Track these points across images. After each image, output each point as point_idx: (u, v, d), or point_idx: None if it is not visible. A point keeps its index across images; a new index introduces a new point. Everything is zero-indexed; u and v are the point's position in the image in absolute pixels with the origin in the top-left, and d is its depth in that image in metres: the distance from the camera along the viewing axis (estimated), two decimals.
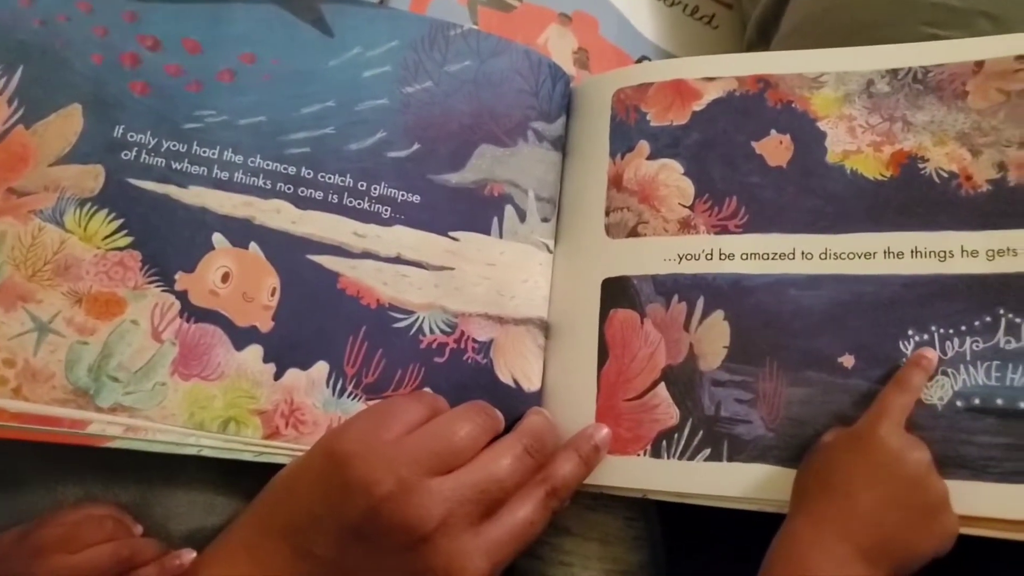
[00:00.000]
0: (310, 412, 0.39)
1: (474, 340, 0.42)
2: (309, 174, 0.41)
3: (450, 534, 0.34)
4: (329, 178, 0.41)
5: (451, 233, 0.43)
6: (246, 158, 0.41)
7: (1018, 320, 0.37)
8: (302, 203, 0.41)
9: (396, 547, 0.33)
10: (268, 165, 0.41)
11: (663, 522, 0.48)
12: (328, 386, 0.39)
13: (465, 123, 0.44)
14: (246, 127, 0.41)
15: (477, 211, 0.43)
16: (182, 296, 0.38)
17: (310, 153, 0.41)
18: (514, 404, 0.42)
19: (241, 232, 0.40)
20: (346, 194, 0.41)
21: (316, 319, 0.40)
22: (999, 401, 0.37)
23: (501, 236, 0.44)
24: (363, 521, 0.33)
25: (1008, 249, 0.38)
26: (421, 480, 0.34)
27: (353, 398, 0.40)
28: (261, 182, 0.41)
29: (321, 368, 0.39)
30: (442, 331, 0.41)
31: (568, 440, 0.40)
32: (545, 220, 0.45)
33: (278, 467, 0.37)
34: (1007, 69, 0.40)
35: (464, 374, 0.41)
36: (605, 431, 0.41)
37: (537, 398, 0.43)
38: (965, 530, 0.36)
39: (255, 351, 0.39)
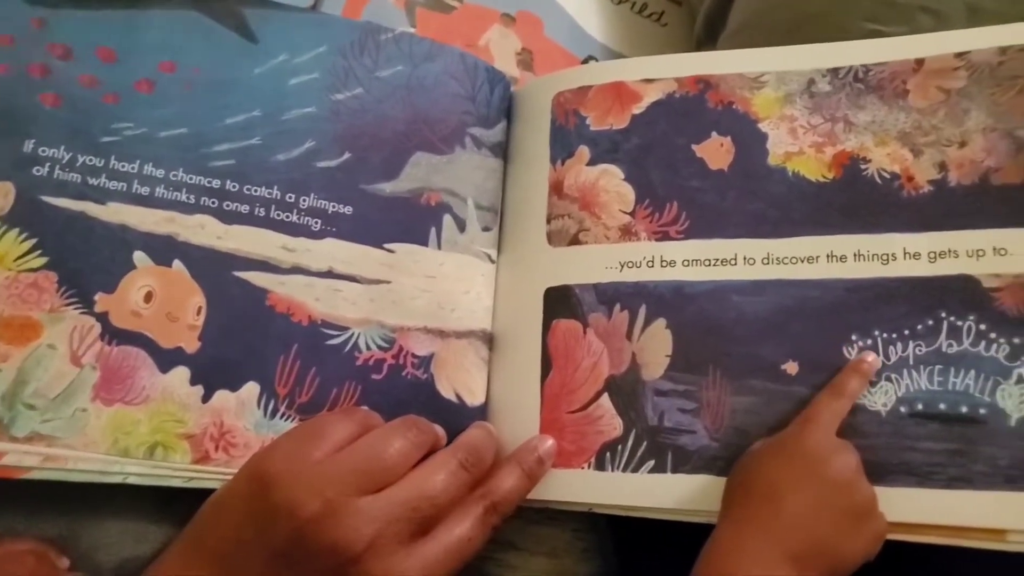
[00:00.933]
0: (241, 435, 0.38)
1: (414, 355, 0.41)
2: (234, 187, 0.40)
3: (380, 554, 0.32)
4: (255, 191, 0.40)
5: (386, 245, 0.41)
6: (168, 172, 0.39)
7: (959, 323, 0.37)
8: (227, 218, 0.39)
9: (325, 570, 0.32)
10: (191, 179, 0.39)
11: (615, 531, 0.47)
12: (259, 407, 0.38)
13: (398, 130, 0.42)
14: (167, 139, 0.39)
15: (413, 221, 0.42)
16: (102, 318, 0.37)
17: (235, 165, 0.40)
18: (457, 420, 0.40)
19: (164, 249, 0.38)
20: (274, 207, 0.40)
21: (245, 338, 0.38)
22: (942, 406, 0.36)
23: (440, 247, 0.42)
24: (290, 545, 0.32)
25: (949, 251, 0.37)
26: (348, 500, 0.33)
27: (286, 419, 0.38)
28: (184, 197, 0.39)
29: (251, 389, 0.38)
30: (379, 347, 0.40)
31: (511, 453, 0.39)
32: (486, 229, 0.44)
33: (210, 492, 0.36)
34: (946, 67, 0.40)
35: (404, 391, 0.40)
36: (550, 443, 0.40)
37: (481, 412, 0.42)
38: (911, 537, 0.35)
39: (181, 373, 0.37)
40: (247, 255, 0.39)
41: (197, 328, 0.38)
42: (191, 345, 0.38)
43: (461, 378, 0.42)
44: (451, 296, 0.42)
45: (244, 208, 0.40)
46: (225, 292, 0.39)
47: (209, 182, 0.39)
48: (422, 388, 0.41)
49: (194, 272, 0.38)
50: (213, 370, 0.38)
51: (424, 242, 0.42)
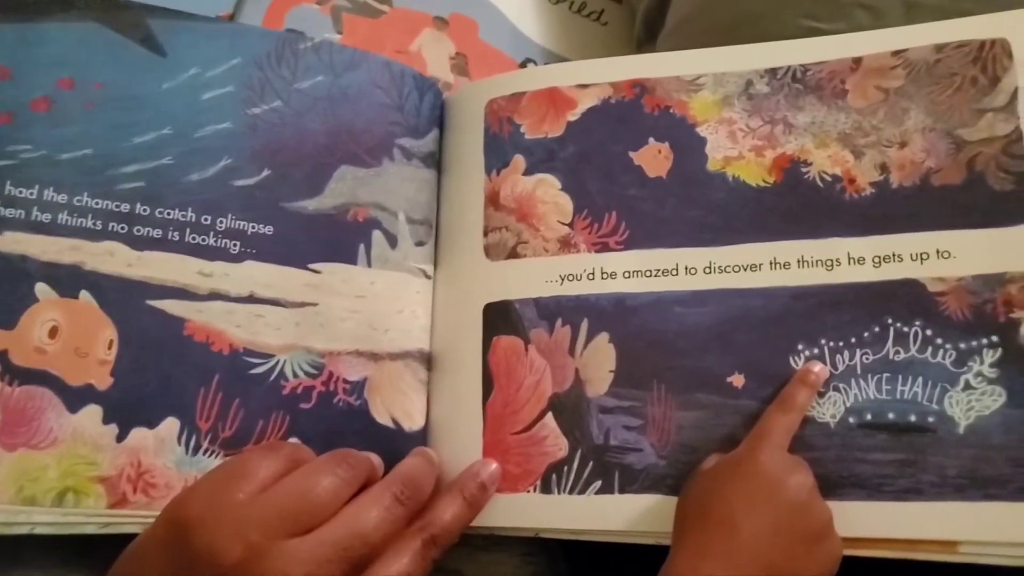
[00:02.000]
0: (161, 474, 0.35)
1: (345, 380, 0.39)
2: (145, 211, 0.37)
3: None
4: (168, 214, 0.38)
5: (311, 265, 0.39)
6: (71, 197, 0.36)
7: (906, 329, 0.36)
8: (138, 243, 0.37)
9: None
10: (97, 203, 0.37)
11: (567, 552, 0.45)
12: (180, 444, 0.36)
13: (321, 144, 0.40)
14: (69, 162, 0.37)
15: (340, 239, 0.40)
16: (2, 357, 0.34)
17: (145, 187, 0.37)
18: (396, 446, 0.38)
19: (69, 280, 0.36)
20: (188, 230, 0.38)
21: (161, 371, 0.36)
22: (891, 415, 0.35)
23: (370, 265, 0.40)
24: None
25: (893, 255, 0.36)
26: (274, 543, 0.31)
27: (210, 455, 0.36)
28: (90, 223, 0.36)
29: (170, 425, 0.36)
30: (307, 374, 0.38)
31: (452, 480, 0.38)
32: (420, 244, 0.42)
33: (131, 538, 0.34)
34: (884, 65, 0.39)
35: (336, 419, 0.38)
36: (493, 467, 0.38)
37: (421, 437, 0.40)
38: (863, 552, 0.34)
39: (93, 412, 0.35)
40: (161, 282, 0.37)
41: (108, 363, 0.36)
42: (103, 381, 0.35)
43: (398, 402, 0.40)
44: (383, 316, 0.40)
45: (156, 232, 0.37)
46: (138, 323, 0.36)
47: (117, 206, 0.37)
48: (356, 415, 0.39)
49: (103, 303, 0.36)
50: (128, 407, 0.35)
51: (352, 260, 0.40)
